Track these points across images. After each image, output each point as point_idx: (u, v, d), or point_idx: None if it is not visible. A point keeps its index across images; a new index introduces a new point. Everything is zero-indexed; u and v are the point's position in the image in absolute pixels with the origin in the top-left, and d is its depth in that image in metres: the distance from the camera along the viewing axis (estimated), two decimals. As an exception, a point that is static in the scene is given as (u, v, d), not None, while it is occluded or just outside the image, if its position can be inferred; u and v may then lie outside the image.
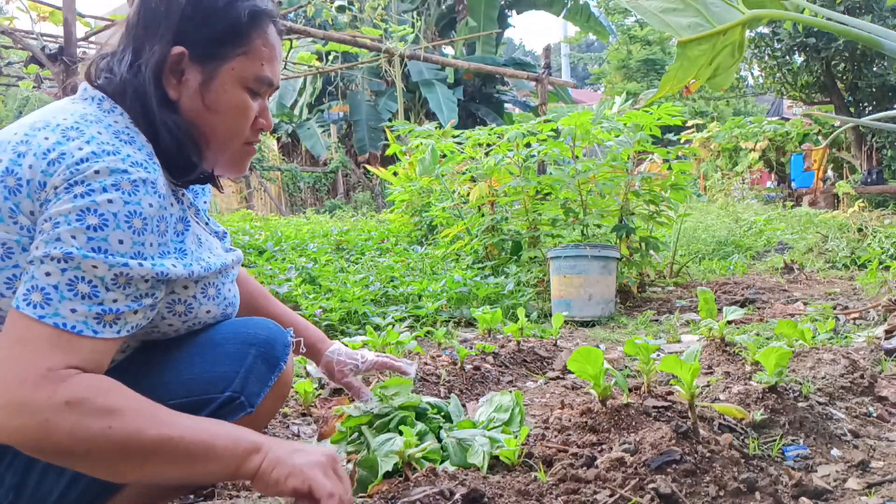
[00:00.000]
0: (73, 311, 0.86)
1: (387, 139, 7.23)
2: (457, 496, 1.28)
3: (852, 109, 12.24)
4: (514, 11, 17.22)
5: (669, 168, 4.41)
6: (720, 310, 2.64)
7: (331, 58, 10.50)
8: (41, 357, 0.83)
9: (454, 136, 5.00)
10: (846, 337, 2.81)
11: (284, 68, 8.25)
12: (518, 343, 2.70)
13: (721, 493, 1.32)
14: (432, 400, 1.72)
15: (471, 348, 2.59)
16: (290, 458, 0.93)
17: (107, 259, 0.88)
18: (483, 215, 4.74)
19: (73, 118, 0.97)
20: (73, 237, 0.87)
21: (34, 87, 5.56)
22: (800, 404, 1.73)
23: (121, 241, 0.89)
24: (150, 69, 1.01)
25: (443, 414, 1.68)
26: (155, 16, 1.03)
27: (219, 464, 0.90)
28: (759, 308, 3.75)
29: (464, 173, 4.85)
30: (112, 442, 0.84)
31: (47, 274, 0.86)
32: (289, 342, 1.17)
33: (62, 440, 0.82)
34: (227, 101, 1.06)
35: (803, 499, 1.35)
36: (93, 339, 0.88)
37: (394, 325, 3.07)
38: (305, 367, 2.15)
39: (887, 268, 4.12)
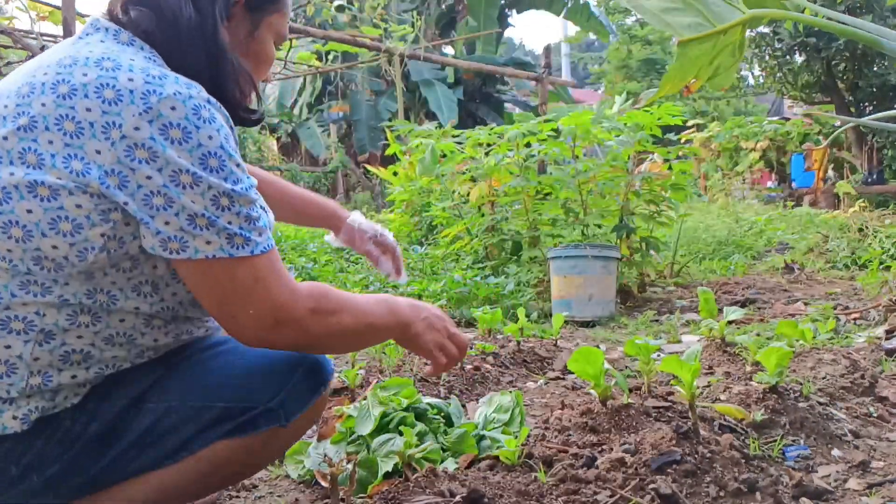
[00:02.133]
0: (260, 234, 0.99)
1: (387, 139, 7.22)
2: (457, 497, 1.27)
3: (853, 109, 12.23)
4: (514, 11, 17.19)
5: (670, 168, 4.40)
6: (720, 310, 2.63)
7: (330, 57, 10.49)
8: (279, 277, 1.00)
9: (454, 136, 4.99)
10: (847, 337, 2.80)
11: (284, 68, 8.22)
12: (518, 343, 2.70)
13: (722, 494, 1.32)
14: (432, 400, 1.72)
15: (471, 348, 2.59)
16: (426, 334, 1.21)
17: (238, 187, 0.96)
18: (483, 215, 4.73)
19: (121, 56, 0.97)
20: (214, 174, 0.94)
21: (34, 86, 5.56)
22: (800, 404, 1.72)
23: (238, 166, 0.97)
24: (219, 11, 1.06)
25: (443, 414, 1.68)
26: None
27: (391, 334, 1.18)
28: (759, 308, 3.75)
29: (464, 173, 4.84)
30: (343, 331, 1.08)
31: (229, 222, 0.95)
32: (332, 369, 1.21)
33: (314, 337, 1.06)
34: (263, 51, 1.16)
35: (804, 499, 1.35)
36: (274, 249, 1.03)
37: (394, 325, 3.06)
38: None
39: (888, 268, 4.11)
